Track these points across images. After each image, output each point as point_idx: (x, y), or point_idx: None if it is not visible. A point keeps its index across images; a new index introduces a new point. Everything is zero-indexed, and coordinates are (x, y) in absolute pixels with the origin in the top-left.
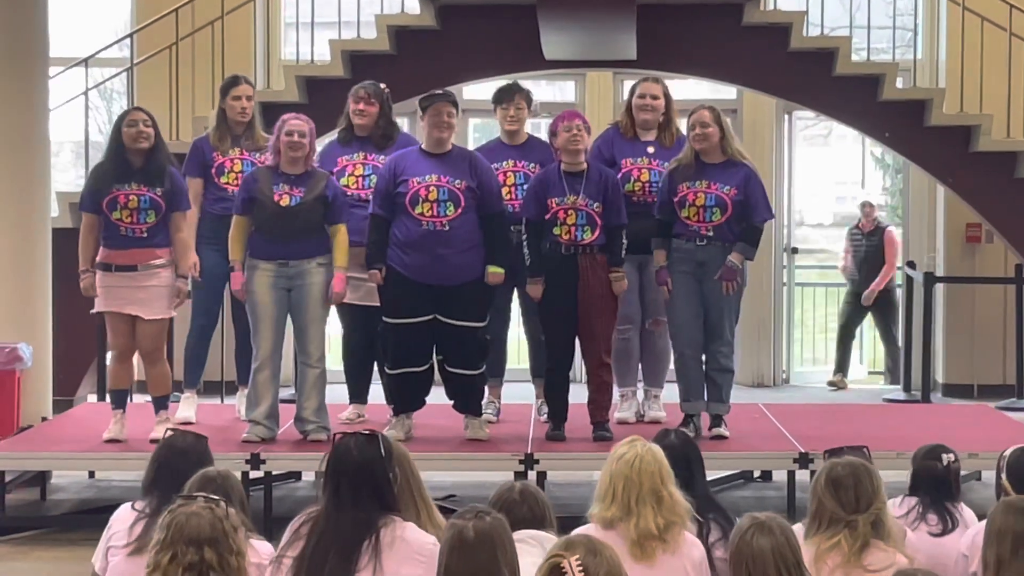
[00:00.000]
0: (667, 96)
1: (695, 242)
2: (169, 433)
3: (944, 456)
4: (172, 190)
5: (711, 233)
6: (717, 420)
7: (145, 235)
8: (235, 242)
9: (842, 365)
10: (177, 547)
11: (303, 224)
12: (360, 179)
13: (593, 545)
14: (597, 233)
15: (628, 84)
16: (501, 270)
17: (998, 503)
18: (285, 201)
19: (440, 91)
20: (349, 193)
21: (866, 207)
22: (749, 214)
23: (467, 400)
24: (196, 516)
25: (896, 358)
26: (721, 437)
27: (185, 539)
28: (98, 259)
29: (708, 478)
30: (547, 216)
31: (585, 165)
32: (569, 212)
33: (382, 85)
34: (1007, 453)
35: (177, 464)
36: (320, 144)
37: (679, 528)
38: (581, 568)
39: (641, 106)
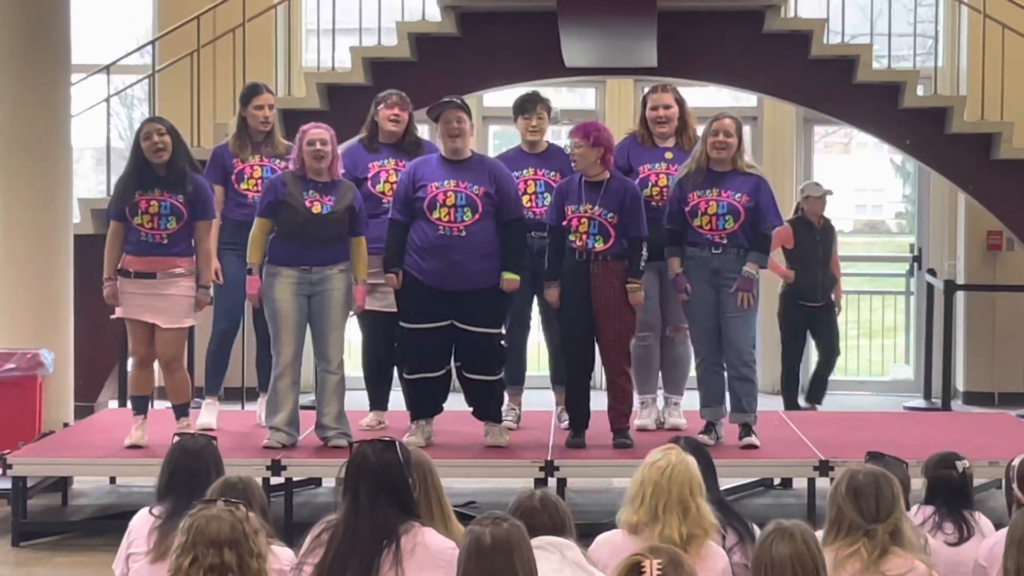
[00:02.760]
0: (680, 101)
1: (709, 250)
2: (176, 438)
3: (959, 464)
4: (196, 198)
5: (725, 241)
6: (746, 430)
7: (165, 242)
8: (256, 245)
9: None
10: (198, 549)
11: (331, 232)
12: (394, 186)
13: (678, 558)
14: (610, 243)
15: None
16: (516, 277)
17: (1020, 511)
18: (317, 208)
19: (447, 99)
20: (385, 201)
21: (814, 198)
22: (759, 221)
23: (486, 407)
24: (216, 519)
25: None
26: (752, 446)
27: (206, 541)
28: (120, 265)
29: (729, 486)
30: (564, 223)
31: (606, 175)
32: (582, 220)
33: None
34: (1015, 463)
35: (190, 467)
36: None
37: (701, 540)
38: (661, 574)
39: (655, 119)
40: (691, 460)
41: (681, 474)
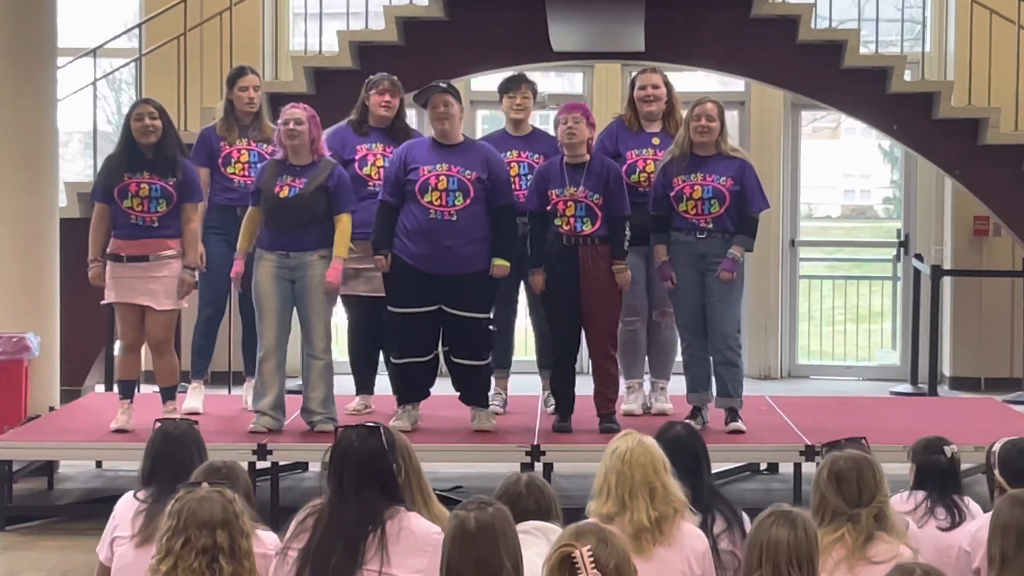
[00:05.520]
0: (668, 85)
1: (695, 235)
2: (158, 424)
3: (946, 448)
4: (184, 181)
5: (710, 225)
6: (732, 415)
7: (156, 224)
8: (244, 232)
9: None
10: (190, 531)
11: (304, 216)
12: (382, 170)
13: (603, 534)
14: (597, 225)
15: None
16: (507, 263)
17: (1004, 496)
18: (284, 193)
19: (434, 84)
20: (371, 184)
21: None
22: (745, 204)
23: (473, 391)
24: (207, 501)
25: None
26: (738, 431)
27: (198, 523)
28: (109, 250)
29: (716, 470)
30: (548, 208)
31: (587, 157)
32: (568, 204)
33: (394, 78)
34: (995, 448)
35: (173, 452)
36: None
37: (674, 520)
38: (592, 559)
39: (643, 98)
40: (649, 441)
41: (641, 456)
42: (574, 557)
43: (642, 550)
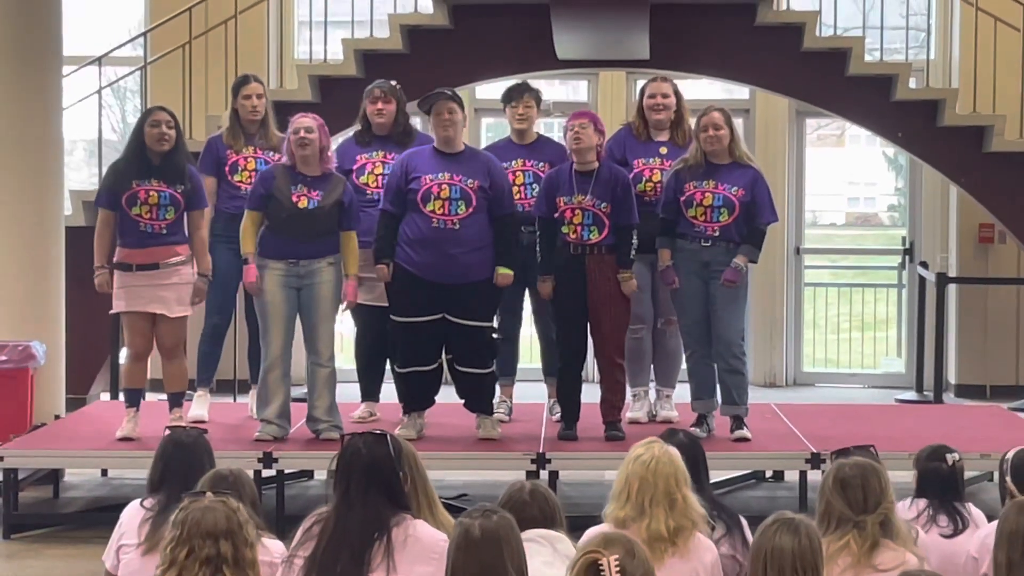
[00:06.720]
0: (677, 94)
1: (700, 242)
2: (168, 431)
3: (948, 456)
4: (192, 189)
5: (717, 233)
6: (738, 422)
7: (164, 232)
8: (247, 236)
9: None
10: (194, 541)
11: (318, 227)
12: (380, 178)
13: (631, 545)
14: (604, 233)
15: (641, 84)
16: (511, 271)
17: (1010, 504)
18: (303, 203)
19: (438, 91)
20: (368, 192)
21: None
22: (755, 216)
23: (478, 399)
24: (211, 511)
25: None
26: (744, 439)
27: (202, 533)
28: (117, 259)
29: (721, 478)
30: (556, 215)
31: (596, 165)
32: (576, 211)
33: (393, 82)
34: (1009, 456)
35: (184, 460)
36: (335, 142)
37: (690, 532)
38: (619, 569)
39: (652, 106)
40: (675, 452)
41: (666, 466)
42: (600, 564)
43: (654, 558)
